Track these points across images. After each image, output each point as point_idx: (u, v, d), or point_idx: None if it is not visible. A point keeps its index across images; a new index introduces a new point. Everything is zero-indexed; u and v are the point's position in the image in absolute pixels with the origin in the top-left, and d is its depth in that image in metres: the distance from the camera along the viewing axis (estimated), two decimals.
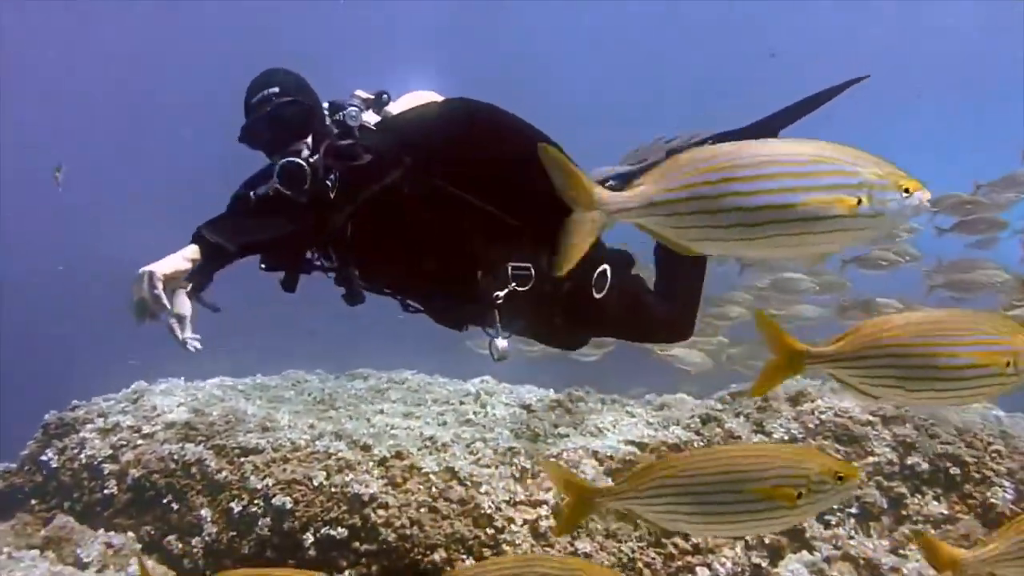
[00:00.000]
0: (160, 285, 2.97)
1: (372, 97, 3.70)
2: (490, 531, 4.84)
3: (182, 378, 6.78)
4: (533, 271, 3.68)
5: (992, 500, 4.85)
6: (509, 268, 3.65)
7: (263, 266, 3.63)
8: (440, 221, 3.58)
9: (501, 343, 3.73)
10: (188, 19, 24.15)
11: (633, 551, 4.81)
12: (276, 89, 3.45)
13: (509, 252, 3.69)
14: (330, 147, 3.42)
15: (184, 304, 3.39)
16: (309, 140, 3.44)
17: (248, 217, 3.42)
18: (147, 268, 2.98)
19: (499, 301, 3.65)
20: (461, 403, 6.82)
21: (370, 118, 3.63)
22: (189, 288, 3.47)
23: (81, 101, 24.47)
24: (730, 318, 7.55)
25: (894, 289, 7.27)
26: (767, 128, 4.06)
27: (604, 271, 3.88)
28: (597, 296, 3.87)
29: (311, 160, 3.36)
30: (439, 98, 3.89)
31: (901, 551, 4.66)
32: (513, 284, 3.65)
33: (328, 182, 3.34)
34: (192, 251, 3.11)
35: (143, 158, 24.92)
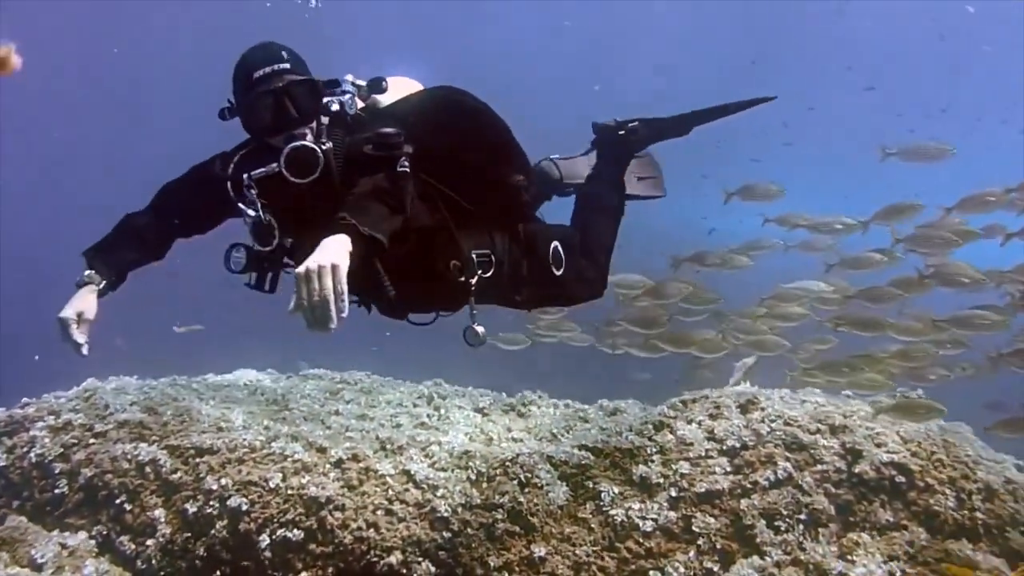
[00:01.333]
0: (344, 285, 2.70)
1: (363, 84, 3.67)
2: (446, 534, 4.87)
3: (134, 376, 6.71)
4: (492, 257, 3.75)
5: (935, 507, 4.98)
6: (474, 256, 3.73)
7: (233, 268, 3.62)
8: (426, 211, 3.58)
9: (479, 328, 3.77)
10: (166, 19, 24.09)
11: (588, 555, 4.87)
12: (286, 65, 3.39)
13: (472, 240, 3.76)
14: (377, 136, 3.36)
15: (91, 306, 3.40)
16: (313, 124, 3.41)
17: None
18: (330, 261, 2.67)
19: (472, 288, 3.70)
20: (415, 405, 6.86)
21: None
22: (103, 285, 3.51)
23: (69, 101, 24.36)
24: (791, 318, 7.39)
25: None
26: (684, 122, 4.89)
27: (556, 247, 4.03)
28: (557, 273, 4.03)
29: (323, 147, 3.34)
30: (419, 86, 3.92)
31: (849, 556, 4.76)
32: (479, 271, 3.72)
33: (403, 169, 3.30)
34: (346, 243, 2.82)
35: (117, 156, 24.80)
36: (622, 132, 4.90)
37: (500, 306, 4.27)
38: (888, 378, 6.32)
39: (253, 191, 3.40)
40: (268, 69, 3.35)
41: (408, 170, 3.31)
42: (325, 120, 3.48)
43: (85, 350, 3.36)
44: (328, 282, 2.64)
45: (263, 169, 3.35)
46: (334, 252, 2.73)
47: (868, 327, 7.00)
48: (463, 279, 3.69)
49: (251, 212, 3.46)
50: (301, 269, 2.66)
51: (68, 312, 3.37)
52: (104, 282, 3.54)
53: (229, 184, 3.50)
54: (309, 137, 3.36)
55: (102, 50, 24.16)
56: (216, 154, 3.69)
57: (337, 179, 3.39)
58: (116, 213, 3.77)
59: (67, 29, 23.15)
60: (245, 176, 3.38)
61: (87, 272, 3.53)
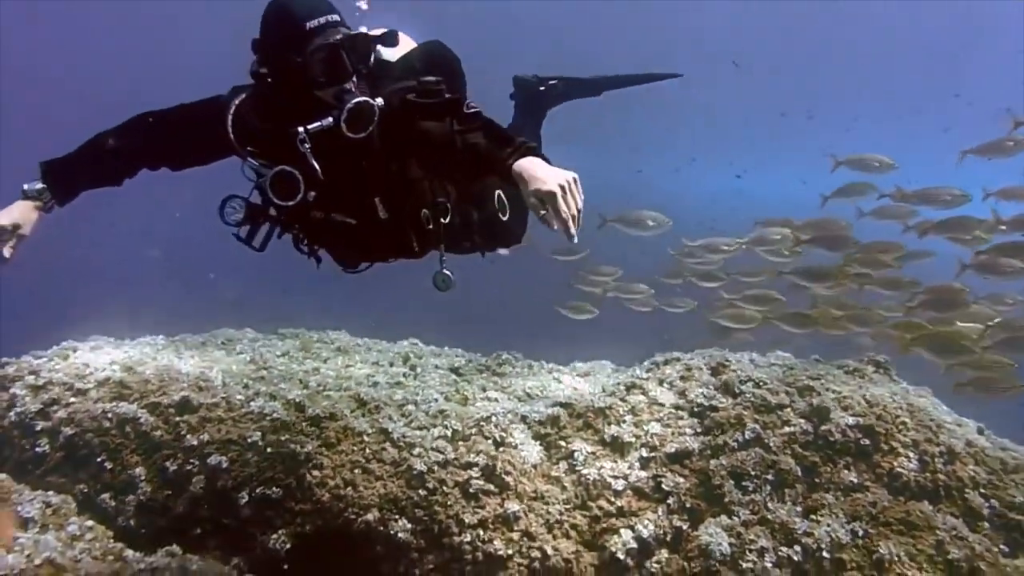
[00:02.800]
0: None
1: (379, 36, 3.63)
2: (422, 492, 4.97)
3: (112, 336, 6.72)
4: (448, 205, 3.85)
5: (898, 469, 5.11)
6: (437, 203, 3.82)
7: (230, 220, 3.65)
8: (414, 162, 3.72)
9: (448, 273, 3.91)
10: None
11: (561, 512, 4.98)
12: (337, 17, 3.38)
13: (434, 188, 3.87)
14: (421, 84, 3.47)
15: (30, 222, 3.38)
16: (355, 78, 3.43)
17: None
18: (571, 174, 2.94)
19: (441, 234, 3.84)
20: (391, 365, 6.92)
21: None
22: (49, 204, 3.47)
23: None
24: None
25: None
26: (599, 85, 5.38)
27: (499, 195, 4.12)
28: (504, 219, 4.12)
29: (379, 104, 3.38)
30: (412, 41, 3.97)
31: (813, 516, 4.89)
32: (442, 218, 3.82)
33: (475, 109, 3.41)
34: None
35: None
36: (542, 88, 5.18)
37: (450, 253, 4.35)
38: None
39: (307, 145, 3.39)
40: (323, 20, 3.32)
41: (479, 109, 3.41)
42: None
43: (7, 264, 3.31)
44: (580, 192, 2.92)
45: (318, 123, 3.34)
46: (556, 168, 2.99)
47: (950, 307, 7.10)
48: (431, 226, 3.79)
49: (259, 164, 3.53)
50: (553, 188, 2.88)
51: (4, 220, 3.31)
52: (52, 202, 3.49)
53: (232, 133, 3.50)
54: (356, 92, 3.38)
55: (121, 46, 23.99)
56: (210, 97, 3.65)
57: (376, 133, 3.44)
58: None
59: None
60: (301, 130, 3.36)
61: (39, 186, 3.47)
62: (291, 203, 3.50)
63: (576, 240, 2.91)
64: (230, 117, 3.52)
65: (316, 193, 3.56)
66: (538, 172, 2.97)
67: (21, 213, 3.37)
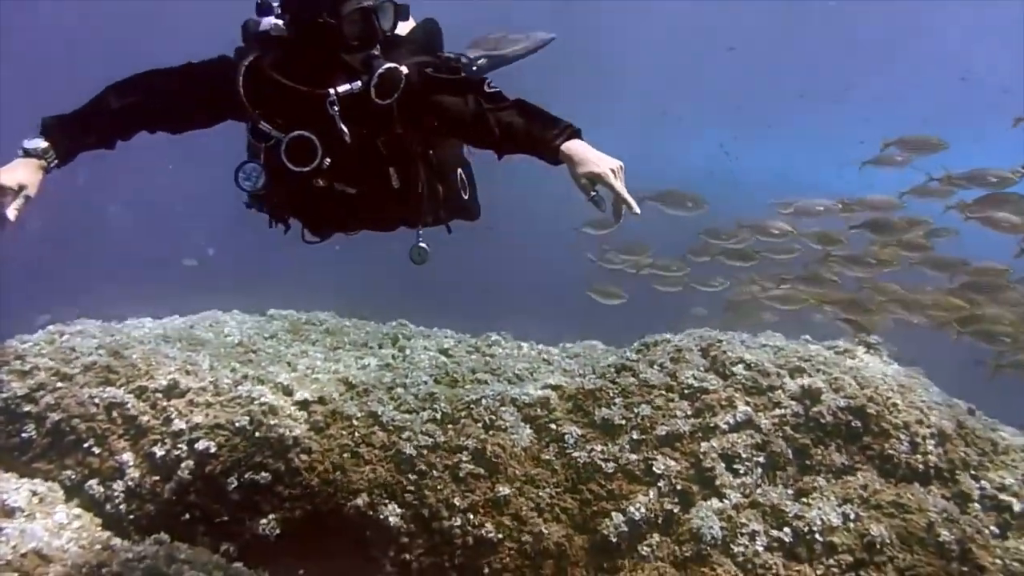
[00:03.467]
0: None
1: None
2: (412, 476, 4.95)
3: (99, 320, 6.66)
4: (418, 180, 3.84)
5: (889, 451, 5.11)
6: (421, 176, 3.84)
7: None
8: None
9: (423, 245, 4.02)
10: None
11: (551, 496, 4.97)
12: None
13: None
14: (441, 59, 3.65)
15: (36, 183, 3.16)
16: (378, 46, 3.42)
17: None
18: (617, 160, 3.14)
19: (420, 206, 3.87)
20: (380, 346, 6.88)
21: None
22: (53, 165, 3.26)
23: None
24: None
25: None
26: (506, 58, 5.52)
27: (459, 174, 4.21)
28: (465, 197, 4.23)
29: (406, 72, 3.40)
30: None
31: (804, 499, 4.89)
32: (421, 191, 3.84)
33: (495, 89, 3.47)
34: None
35: None
36: (475, 68, 5.17)
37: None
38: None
39: (336, 108, 3.36)
40: None
41: (499, 89, 3.46)
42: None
43: (10, 226, 3.08)
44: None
45: (348, 87, 3.34)
46: (604, 154, 3.19)
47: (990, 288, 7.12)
48: (411, 199, 3.80)
49: (270, 128, 3.46)
50: (606, 171, 3.09)
51: (9, 180, 3.07)
52: (55, 161, 3.27)
53: (243, 94, 3.40)
54: (382, 58, 3.39)
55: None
56: (218, 57, 3.55)
57: (396, 102, 3.44)
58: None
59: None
60: (332, 93, 3.33)
61: (43, 145, 3.23)
62: (306, 169, 3.46)
63: (640, 213, 3.12)
64: (240, 77, 3.42)
65: (332, 160, 3.49)
66: (590, 155, 3.15)
67: (26, 172, 3.14)
